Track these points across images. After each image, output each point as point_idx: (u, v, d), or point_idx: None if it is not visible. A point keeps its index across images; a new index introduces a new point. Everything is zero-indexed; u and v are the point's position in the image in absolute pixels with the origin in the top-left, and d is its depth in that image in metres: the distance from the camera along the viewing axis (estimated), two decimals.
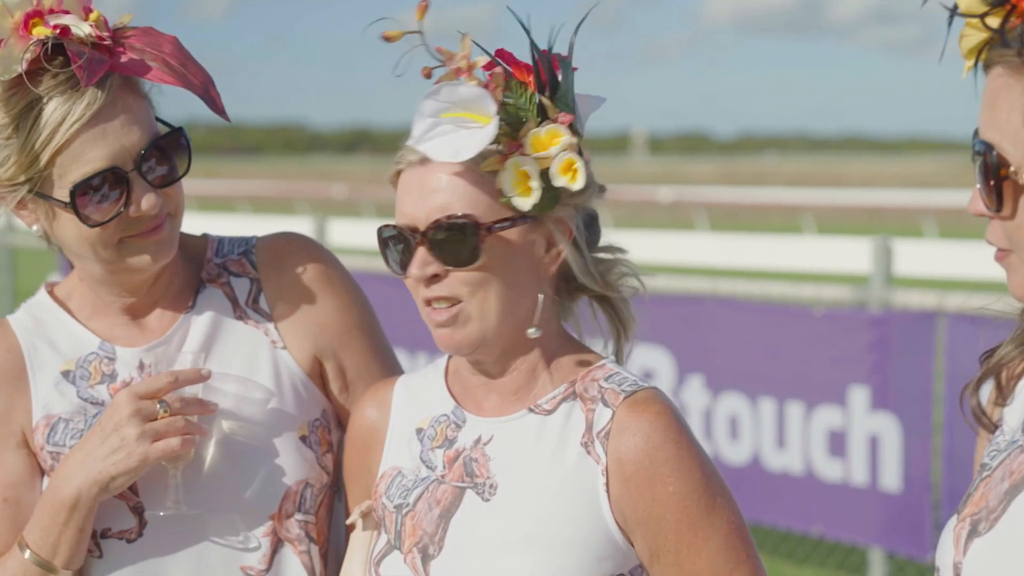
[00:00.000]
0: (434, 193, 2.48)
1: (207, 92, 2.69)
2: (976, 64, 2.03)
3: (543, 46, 2.52)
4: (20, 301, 2.98)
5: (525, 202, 2.47)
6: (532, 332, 2.56)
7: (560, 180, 2.48)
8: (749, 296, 7.85)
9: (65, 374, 2.78)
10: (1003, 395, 2.23)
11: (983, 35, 1.99)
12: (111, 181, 2.63)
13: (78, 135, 2.60)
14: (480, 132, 2.45)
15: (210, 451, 2.75)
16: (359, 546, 2.70)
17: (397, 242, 2.53)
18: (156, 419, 2.62)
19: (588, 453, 2.51)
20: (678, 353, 7.95)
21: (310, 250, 2.92)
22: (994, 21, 1.99)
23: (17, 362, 2.79)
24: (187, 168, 2.74)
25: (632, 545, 2.49)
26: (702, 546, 2.47)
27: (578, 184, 2.48)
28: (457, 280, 2.49)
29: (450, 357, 2.71)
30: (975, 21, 1.99)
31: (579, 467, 2.51)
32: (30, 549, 2.65)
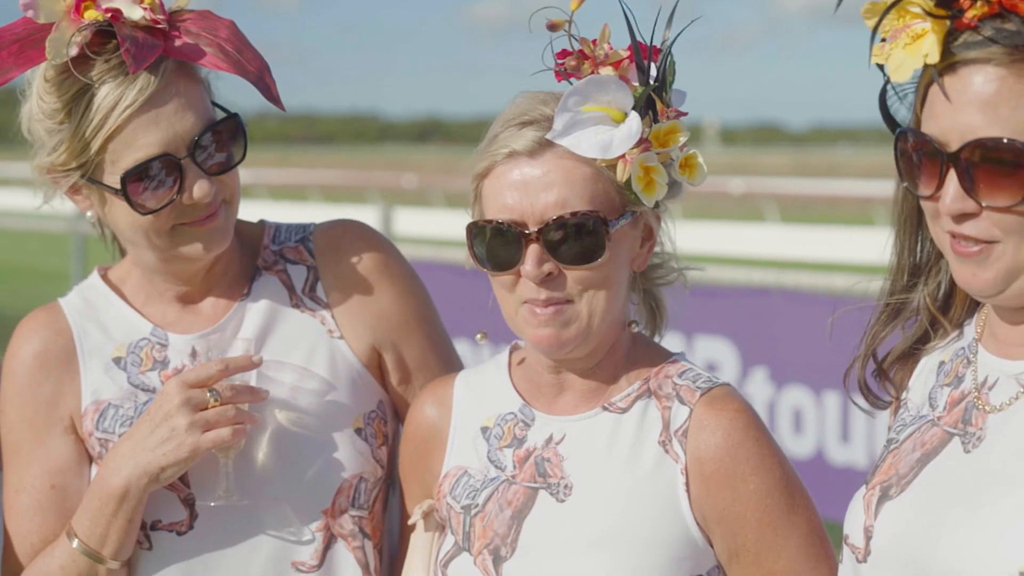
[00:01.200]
0: (548, 188, 2.43)
1: (261, 79, 2.66)
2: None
3: (640, 37, 2.47)
4: None
5: (650, 198, 2.45)
6: (635, 327, 2.55)
7: (681, 175, 2.47)
8: (815, 289, 7.78)
9: (116, 360, 2.77)
10: (886, 375, 2.38)
11: (939, 34, 2.07)
12: (164, 168, 2.61)
13: (130, 121, 2.59)
14: (628, 129, 2.42)
15: (263, 441, 2.72)
16: (420, 547, 2.67)
17: (498, 238, 2.46)
18: (206, 408, 2.60)
19: (666, 452, 2.48)
20: (742, 345, 7.90)
21: (369, 238, 2.88)
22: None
23: (67, 345, 2.77)
24: (243, 155, 2.71)
25: (711, 545, 2.47)
26: (782, 545, 2.45)
27: (697, 180, 2.47)
28: (572, 279, 2.45)
29: (512, 352, 2.68)
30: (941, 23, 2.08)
31: (657, 466, 2.48)
32: (78, 539, 2.63)
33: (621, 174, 2.43)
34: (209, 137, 2.65)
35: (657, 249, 2.61)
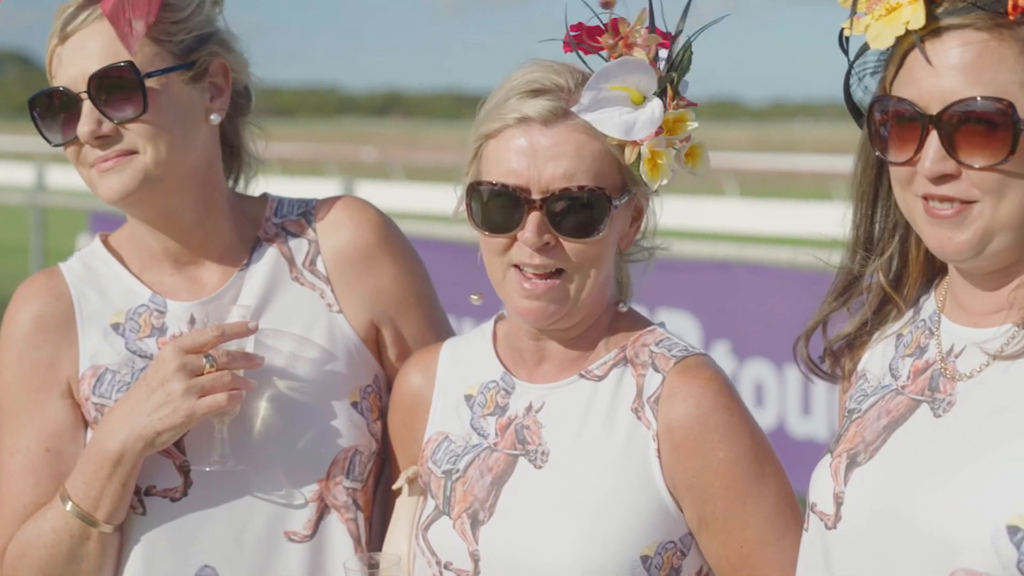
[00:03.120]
0: (557, 159, 2.44)
1: (114, 15, 2.63)
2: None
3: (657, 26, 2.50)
4: (50, 260, 2.99)
5: (655, 181, 2.47)
6: (623, 306, 2.57)
7: (685, 164, 2.50)
8: (776, 262, 7.82)
9: (115, 326, 2.78)
10: (833, 354, 2.43)
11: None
12: (63, 102, 2.67)
13: (53, 52, 2.69)
14: (651, 114, 2.45)
15: (260, 408, 2.73)
16: (405, 511, 2.70)
17: (499, 201, 2.48)
18: (202, 374, 2.61)
19: (639, 419, 2.50)
20: (704, 319, 7.93)
21: (370, 215, 2.89)
22: None
23: (66, 310, 2.78)
24: (144, 107, 2.66)
25: (682, 512, 2.49)
26: (750, 513, 2.47)
27: (699, 170, 2.49)
28: (570, 251, 2.47)
29: (497, 322, 2.69)
30: None
31: (631, 433, 2.50)
32: (72, 501, 2.64)
33: (629, 155, 2.45)
34: (108, 81, 2.65)
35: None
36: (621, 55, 2.47)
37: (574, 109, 2.44)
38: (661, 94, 2.47)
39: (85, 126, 2.64)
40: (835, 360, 2.44)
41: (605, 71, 2.44)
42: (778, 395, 7.70)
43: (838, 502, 2.26)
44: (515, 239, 2.47)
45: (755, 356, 7.77)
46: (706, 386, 2.50)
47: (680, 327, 7.96)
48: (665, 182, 2.48)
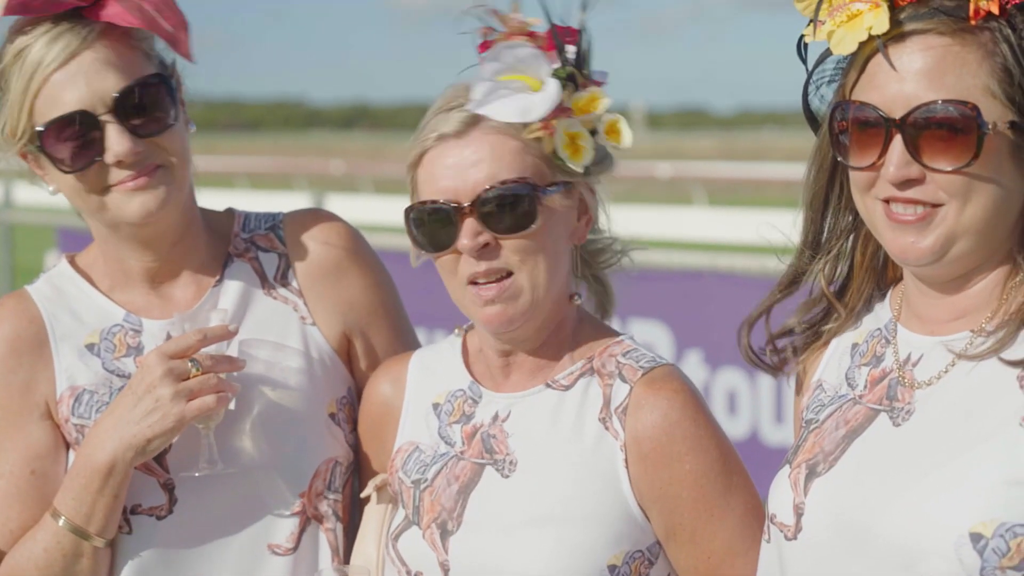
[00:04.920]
0: (477, 165, 2.47)
1: (173, 35, 2.66)
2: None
3: (556, 20, 2.53)
4: (18, 277, 2.97)
5: (578, 163, 2.47)
6: (577, 299, 2.57)
7: (607, 140, 2.50)
8: (747, 271, 7.83)
9: (89, 346, 2.76)
10: (773, 345, 2.48)
11: (886, 5, 2.14)
12: (83, 125, 2.61)
13: (50, 78, 2.59)
14: (546, 93, 2.46)
15: (243, 417, 2.73)
16: (373, 519, 2.71)
17: (434, 219, 2.50)
18: (188, 378, 2.59)
19: (606, 429, 2.50)
20: (676, 328, 7.93)
21: (338, 227, 2.91)
22: None
23: (39, 332, 2.76)
24: (176, 117, 2.68)
25: (650, 522, 2.48)
26: (718, 525, 2.47)
27: (624, 143, 2.50)
28: (509, 249, 2.48)
29: (467, 332, 2.68)
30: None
31: (598, 443, 2.50)
32: (64, 516, 2.62)
33: (548, 144, 2.45)
34: (136, 97, 2.63)
35: (598, 235, 2.64)
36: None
37: (468, 107, 2.47)
38: (570, 79, 2.48)
39: (120, 146, 2.61)
40: (776, 352, 2.47)
41: (488, 58, 2.47)
42: (751, 403, 7.70)
43: (798, 513, 2.27)
44: (459, 252, 2.48)
45: (728, 365, 7.77)
46: (673, 398, 2.50)
47: (651, 337, 7.96)
48: (588, 162, 2.48)
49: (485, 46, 2.53)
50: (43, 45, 2.59)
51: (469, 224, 2.46)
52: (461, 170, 2.47)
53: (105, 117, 2.61)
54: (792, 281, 2.43)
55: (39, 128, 2.61)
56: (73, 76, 2.60)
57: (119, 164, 2.63)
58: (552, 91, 2.45)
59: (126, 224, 2.69)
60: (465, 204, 2.46)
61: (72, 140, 2.62)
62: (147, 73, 2.66)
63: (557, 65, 2.50)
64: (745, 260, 8.04)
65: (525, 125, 2.47)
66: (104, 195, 2.66)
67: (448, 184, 2.48)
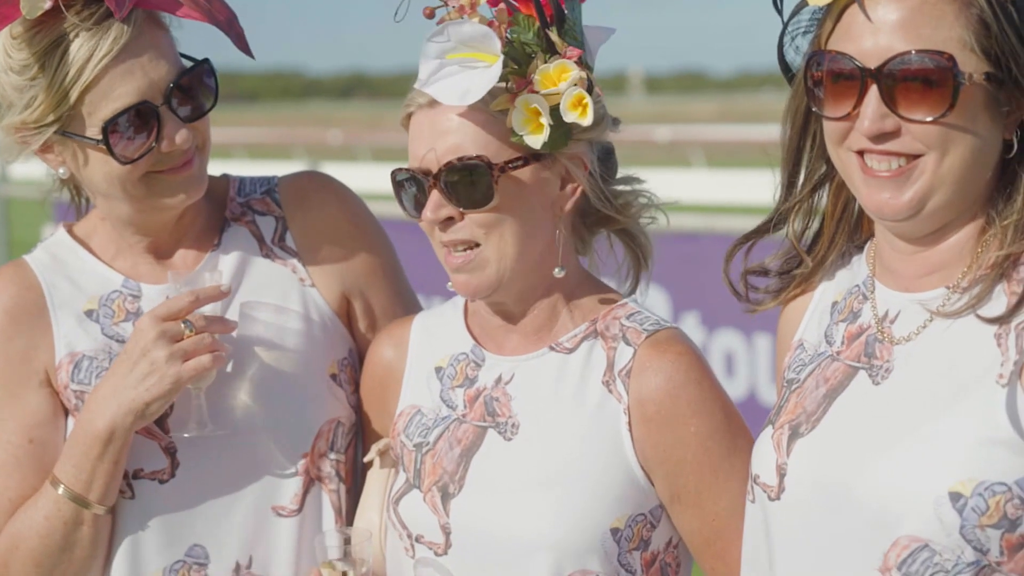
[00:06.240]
0: (445, 135, 2.46)
1: (232, 28, 2.69)
2: None
3: None
4: (14, 251, 2.97)
5: (536, 140, 2.44)
6: (558, 272, 2.55)
7: (570, 116, 2.45)
8: (745, 232, 7.83)
9: (88, 313, 2.76)
10: (746, 278, 2.48)
11: None
12: (141, 116, 2.62)
13: (107, 71, 2.59)
14: (486, 72, 2.42)
15: (244, 379, 2.73)
16: (376, 484, 2.71)
17: (411, 185, 2.51)
18: (182, 339, 2.59)
19: (610, 392, 2.50)
20: (673, 291, 7.93)
21: (335, 189, 2.91)
22: None
23: (37, 300, 2.76)
24: (214, 100, 2.71)
25: (653, 485, 2.48)
26: (722, 487, 2.47)
27: (588, 120, 2.45)
28: (473, 222, 2.48)
29: None
30: None
31: (601, 406, 2.50)
32: (64, 484, 2.62)
33: (509, 119, 2.44)
34: (182, 84, 2.65)
35: (626, 188, 2.62)
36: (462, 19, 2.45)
37: (416, 85, 2.46)
38: (547, 47, 2.44)
39: (179, 135, 2.63)
40: (751, 288, 2.48)
41: (430, 37, 2.44)
42: (748, 365, 7.72)
43: (781, 473, 2.27)
44: None
45: (725, 326, 7.78)
46: (677, 360, 2.50)
47: (649, 299, 7.96)
48: (546, 138, 2.43)
49: (432, 13, 2.50)
50: (91, 35, 2.58)
51: (434, 196, 2.48)
52: (432, 140, 2.48)
53: (161, 106, 2.62)
54: (771, 224, 2.45)
55: (104, 122, 2.60)
56: (129, 67, 2.60)
57: (171, 151, 2.64)
58: (493, 70, 2.41)
59: (163, 208, 2.70)
60: (432, 176, 2.47)
61: (129, 130, 2.62)
62: (181, 57, 2.69)
63: (516, 37, 2.45)
64: (742, 221, 8.03)
65: (494, 96, 2.45)
66: (147, 181, 2.66)
67: (421, 152, 2.49)
